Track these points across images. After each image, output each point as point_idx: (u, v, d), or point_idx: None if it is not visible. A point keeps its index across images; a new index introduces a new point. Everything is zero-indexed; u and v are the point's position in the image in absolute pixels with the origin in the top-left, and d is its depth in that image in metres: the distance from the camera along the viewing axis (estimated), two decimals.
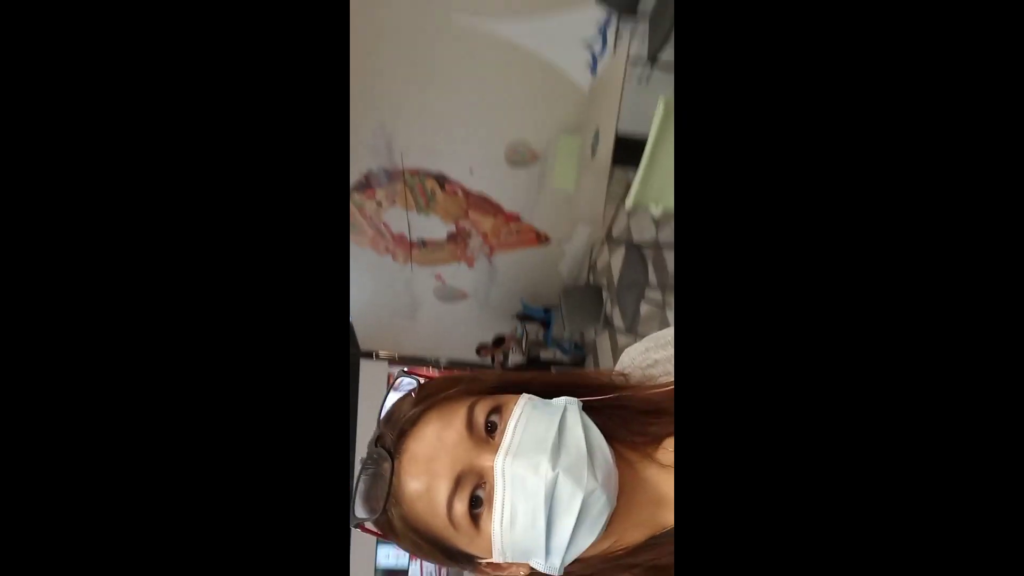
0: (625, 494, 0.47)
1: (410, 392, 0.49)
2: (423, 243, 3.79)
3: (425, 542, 0.47)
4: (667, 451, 0.52)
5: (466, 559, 0.48)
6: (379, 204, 3.50)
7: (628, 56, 2.30)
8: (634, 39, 2.42)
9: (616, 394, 0.53)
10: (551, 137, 3.13)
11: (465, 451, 0.46)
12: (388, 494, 0.46)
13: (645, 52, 2.28)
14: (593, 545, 0.46)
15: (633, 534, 0.48)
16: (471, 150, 3.26)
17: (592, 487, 0.44)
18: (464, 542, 0.46)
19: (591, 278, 3.85)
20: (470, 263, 3.98)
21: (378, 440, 0.48)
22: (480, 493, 0.45)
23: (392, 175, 3.32)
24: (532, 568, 0.47)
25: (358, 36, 2.48)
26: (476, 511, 0.45)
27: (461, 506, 0.45)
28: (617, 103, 2.23)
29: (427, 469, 0.46)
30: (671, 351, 0.57)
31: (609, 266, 3.50)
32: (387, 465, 0.46)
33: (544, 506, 0.44)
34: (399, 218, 3.60)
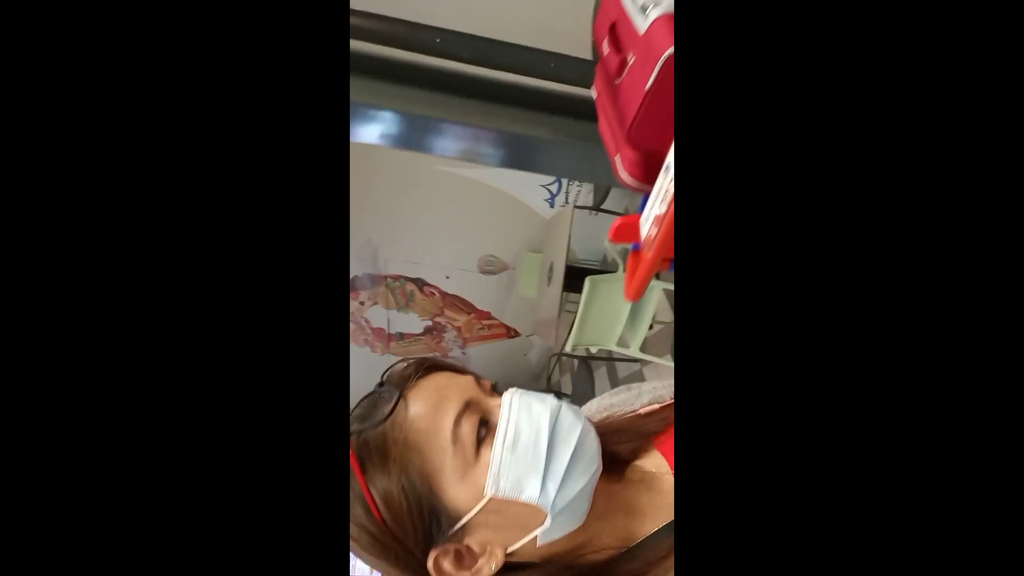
0: (599, 503, 0.46)
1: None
2: (401, 336, 4.14)
3: (407, 485, 0.44)
4: (636, 467, 0.53)
5: (442, 517, 0.44)
6: (361, 303, 3.89)
7: (575, 205, 2.81)
8: (581, 191, 2.95)
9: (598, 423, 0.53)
10: (518, 252, 3.60)
11: (474, 390, 0.47)
12: (392, 411, 0.45)
13: (591, 202, 2.78)
14: (569, 537, 0.45)
15: (605, 539, 0.47)
16: (448, 260, 3.70)
17: (588, 427, 0.46)
18: (456, 475, 0.44)
19: (549, 383, 4.23)
20: (444, 353, 4.32)
21: (382, 382, 0.48)
22: (485, 424, 0.45)
23: (375, 279, 3.73)
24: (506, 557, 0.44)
25: (355, 170, 2.94)
26: (481, 436, 0.44)
27: (468, 426, 0.44)
28: (567, 240, 2.68)
29: (436, 394, 0.46)
30: (626, 395, 0.61)
31: (559, 383, 3.91)
32: (394, 392, 0.46)
33: (547, 429, 0.44)
34: (379, 315, 3.97)
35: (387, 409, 0.45)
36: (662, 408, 0.58)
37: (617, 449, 0.52)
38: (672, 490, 0.50)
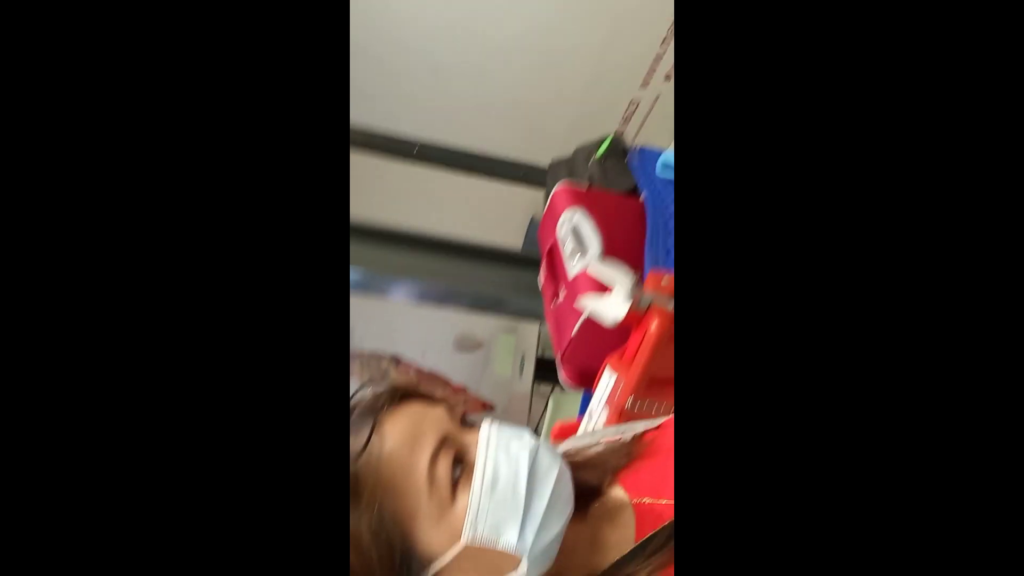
0: (566, 539, 0.46)
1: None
2: None
3: (378, 525, 0.42)
4: (600, 502, 0.53)
5: (413, 561, 0.43)
6: None
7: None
8: None
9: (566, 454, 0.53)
10: (493, 333, 3.65)
11: (449, 424, 0.45)
12: (366, 445, 0.43)
13: None
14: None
15: (571, 574, 0.47)
16: (423, 339, 3.74)
17: (564, 468, 0.46)
18: (432, 518, 0.43)
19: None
20: None
21: (354, 407, 0.46)
22: (460, 462, 0.44)
23: (351, 356, 3.75)
24: None
25: None
26: (457, 476, 0.43)
27: (444, 465, 0.43)
28: (537, 335, 2.74)
29: (411, 428, 0.44)
30: (588, 439, 0.62)
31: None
32: (367, 422, 0.44)
33: (526, 471, 0.43)
34: (352, 386, 3.97)
35: (360, 442, 0.43)
36: (624, 444, 0.58)
37: (584, 486, 0.51)
38: (633, 522, 0.50)
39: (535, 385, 2.77)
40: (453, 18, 2.39)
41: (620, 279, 0.78)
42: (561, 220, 0.97)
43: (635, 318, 0.79)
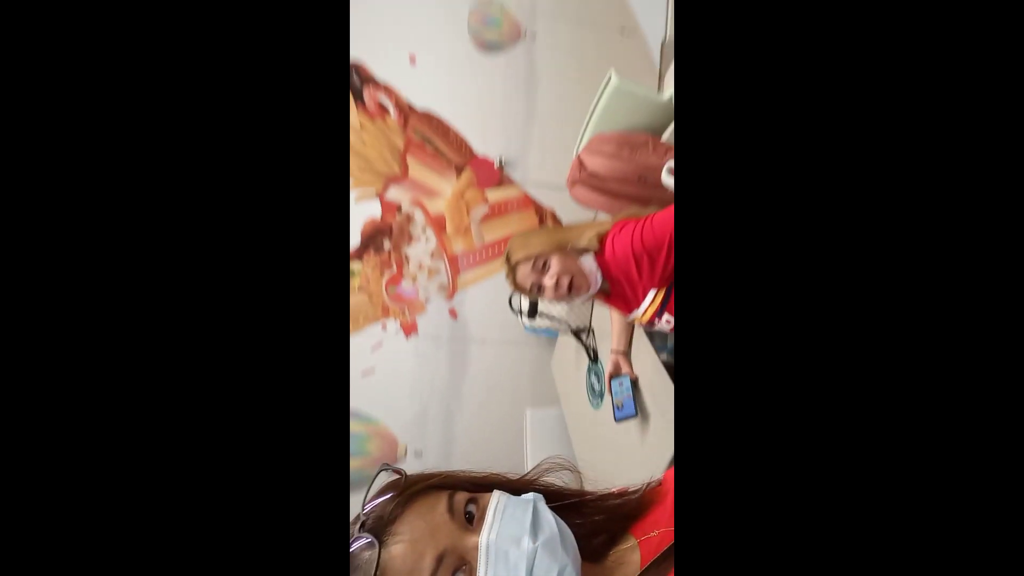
0: None
1: (393, 481, 0.51)
2: None
3: None
4: (615, 553, 0.56)
5: None
6: None
7: None
8: None
9: (575, 500, 0.57)
10: None
11: (447, 534, 0.47)
12: (376, 570, 0.45)
13: None
14: None
15: None
16: None
17: (564, 562, 0.47)
18: None
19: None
20: None
21: (362, 526, 0.48)
22: (462, 574, 0.46)
23: None
24: None
25: None
26: None
27: None
28: None
29: (412, 552, 0.46)
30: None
31: None
32: (373, 551, 0.46)
33: None
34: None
35: (371, 571, 0.46)
36: (630, 492, 0.61)
37: (599, 541, 0.56)
38: (639, 555, 0.54)
39: None
40: None
41: None
42: None
43: None
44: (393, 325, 2.54)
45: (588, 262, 1.22)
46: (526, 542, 0.47)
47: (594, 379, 1.74)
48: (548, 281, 1.21)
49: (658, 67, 2.61)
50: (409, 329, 2.55)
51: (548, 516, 0.50)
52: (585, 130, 1.78)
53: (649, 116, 1.66)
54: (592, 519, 0.56)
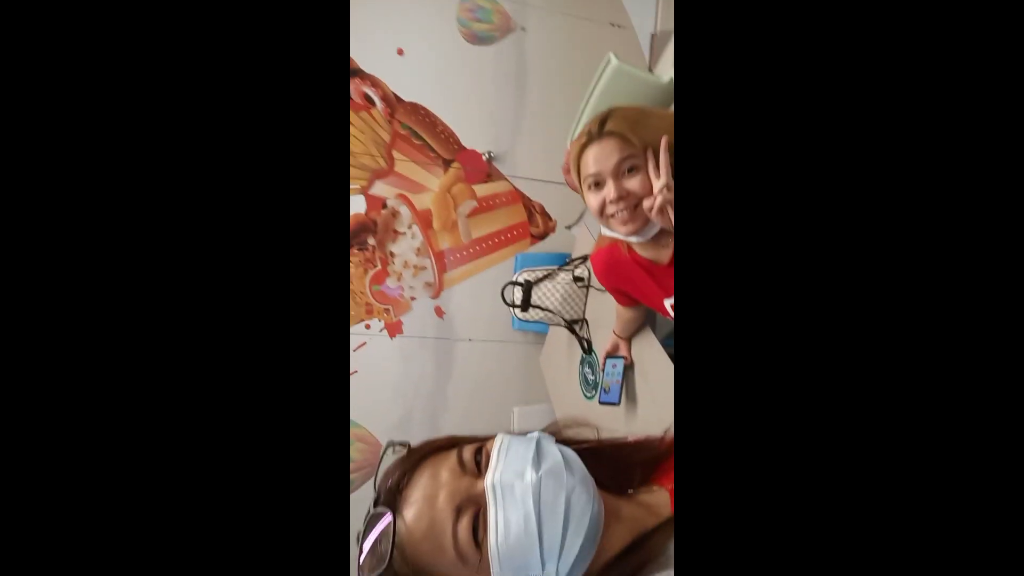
0: (608, 511, 0.50)
1: (401, 454, 0.53)
2: None
3: None
4: (640, 496, 0.56)
5: None
6: None
7: None
8: None
9: (590, 444, 0.57)
10: None
11: (460, 485, 0.48)
12: (393, 544, 0.47)
13: None
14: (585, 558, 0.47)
15: (615, 541, 0.50)
16: None
17: (572, 484, 0.48)
18: None
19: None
20: None
21: (376, 501, 0.50)
22: (478, 518, 0.47)
23: None
24: None
25: None
26: (478, 535, 0.47)
27: (464, 533, 0.46)
28: None
29: (429, 509, 0.47)
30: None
31: None
32: (389, 518, 0.47)
33: (534, 510, 0.46)
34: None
35: (390, 540, 0.47)
36: (652, 439, 0.63)
37: (623, 479, 0.56)
38: (668, 497, 0.55)
39: None
40: None
41: None
42: None
43: None
44: (377, 325, 2.46)
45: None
46: (529, 473, 0.47)
47: (588, 370, 1.68)
48: (629, 184, 0.93)
49: (648, 61, 2.61)
50: (394, 329, 2.47)
51: (551, 447, 0.50)
52: (582, 114, 1.74)
53: (648, 99, 1.62)
54: (612, 462, 0.56)
